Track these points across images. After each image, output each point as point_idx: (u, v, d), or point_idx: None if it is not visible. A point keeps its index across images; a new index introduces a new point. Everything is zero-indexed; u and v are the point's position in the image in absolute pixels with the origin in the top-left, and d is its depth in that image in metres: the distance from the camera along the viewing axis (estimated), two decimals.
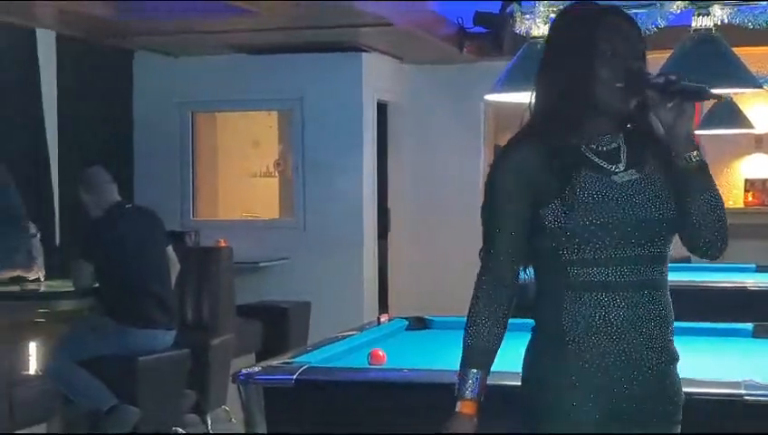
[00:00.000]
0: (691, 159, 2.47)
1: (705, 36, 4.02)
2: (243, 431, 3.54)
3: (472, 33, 8.83)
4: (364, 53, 9.15)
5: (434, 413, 3.29)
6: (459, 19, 8.93)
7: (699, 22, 4.05)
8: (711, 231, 2.51)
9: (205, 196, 9.84)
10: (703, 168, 2.49)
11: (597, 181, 2.50)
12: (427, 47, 9.07)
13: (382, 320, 4.66)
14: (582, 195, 2.48)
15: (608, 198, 2.49)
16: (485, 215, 2.60)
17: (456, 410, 2.57)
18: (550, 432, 2.53)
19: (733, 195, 9.80)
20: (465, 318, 2.60)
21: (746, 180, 9.77)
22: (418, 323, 4.72)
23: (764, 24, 3.96)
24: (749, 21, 3.93)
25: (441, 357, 3.95)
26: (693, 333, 4.14)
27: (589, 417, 2.49)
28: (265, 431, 3.43)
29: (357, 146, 9.17)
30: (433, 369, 3.56)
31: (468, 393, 2.56)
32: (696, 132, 8.41)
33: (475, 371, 2.56)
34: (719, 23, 4.07)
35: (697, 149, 2.48)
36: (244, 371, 3.50)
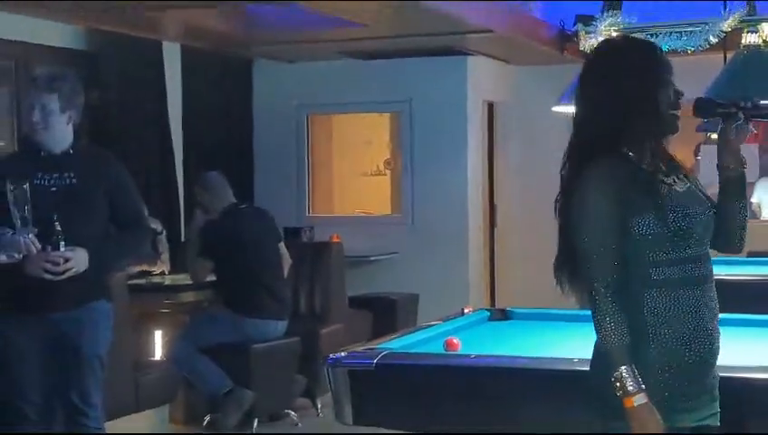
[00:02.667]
0: (738, 170, 2.85)
1: (754, 52, 4.34)
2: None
3: (573, 34, 9.13)
4: (469, 57, 9.55)
5: (501, 396, 3.76)
6: (561, 22, 9.24)
7: (749, 39, 4.37)
8: (739, 232, 2.93)
9: (320, 193, 10.35)
10: (742, 178, 2.88)
11: (668, 191, 2.82)
12: (530, 50, 9.40)
13: (466, 311, 5.03)
14: (668, 202, 2.79)
15: (680, 205, 2.80)
16: (588, 233, 2.84)
17: (638, 403, 2.71)
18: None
19: None
20: (594, 323, 2.82)
21: None
22: (500, 315, 5.09)
23: None
24: None
25: (515, 345, 4.35)
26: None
27: (674, 406, 2.76)
28: (351, 411, 3.87)
29: (462, 145, 9.58)
30: (502, 355, 3.96)
31: (636, 386, 2.72)
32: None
33: (628, 366, 2.74)
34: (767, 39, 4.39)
35: (740, 162, 2.86)
36: (332, 355, 3.96)
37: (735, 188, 2.88)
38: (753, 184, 11.17)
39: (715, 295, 2.86)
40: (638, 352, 2.78)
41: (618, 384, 2.74)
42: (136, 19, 7.55)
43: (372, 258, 9.43)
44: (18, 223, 4.20)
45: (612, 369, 2.75)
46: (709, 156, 9.30)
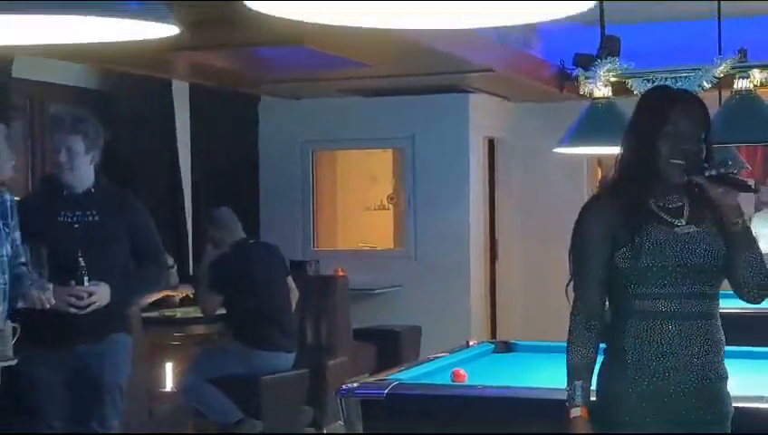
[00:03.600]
0: (738, 224, 3.03)
1: (745, 97, 4.56)
2: None
3: (573, 78, 9.35)
4: (471, 94, 9.77)
5: (505, 425, 3.94)
6: (561, 60, 9.46)
7: (740, 84, 4.60)
8: (752, 282, 3.09)
9: (325, 227, 10.55)
10: (746, 231, 3.05)
11: (661, 232, 3.06)
12: (531, 88, 9.63)
13: (471, 343, 5.23)
14: (648, 242, 3.04)
15: (668, 245, 3.04)
16: (575, 259, 3.18)
17: (573, 414, 3.08)
18: None
19: None
20: (566, 343, 3.16)
21: None
22: (504, 347, 5.29)
23: None
24: None
25: (518, 376, 4.54)
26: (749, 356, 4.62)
27: (641, 424, 3.04)
28: None
29: (464, 180, 9.79)
30: (507, 386, 4.16)
31: (580, 399, 3.08)
32: None
33: (581, 381, 3.09)
34: (758, 84, 4.61)
35: (742, 216, 3.03)
36: (344, 386, 4.14)
37: (740, 240, 3.05)
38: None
39: (715, 331, 3.08)
40: (616, 374, 3.09)
41: (567, 394, 3.10)
42: (146, 59, 7.75)
43: (376, 291, 9.61)
44: (35, 278, 4.38)
45: (569, 380, 3.10)
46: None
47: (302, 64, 8.36)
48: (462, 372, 4.32)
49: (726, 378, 3.13)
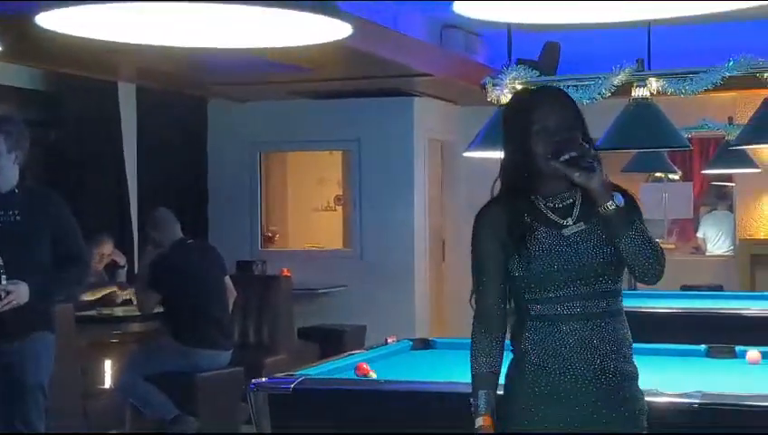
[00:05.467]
0: (608, 208, 2.95)
1: (642, 104, 4.74)
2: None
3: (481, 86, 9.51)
4: (416, 98, 9.94)
5: (409, 419, 4.08)
6: (504, 66, 9.63)
7: (638, 92, 4.77)
8: (639, 263, 2.98)
9: (273, 228, 10.68)
10: (618, 214, 2.94)
11: (548, 235, 3.02)
12: (476, 91, 9.77)
13: (389, 341, 5.34)
14: (535, 249, 3.01)
15: (556, 249, 3.00)
16: (473, 270, 3.13)
17: (477, 424, 3.04)
18: None
19: (764, 227, 10.33)
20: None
21: None
22: (422, 344, 5.41)
23: (692, 93, 4.63)
24: (679, 91, 4.61)
25: (428, 372, 4.67)
26: (660, 353, 4.80)
27: (540, 424, 3.05)
28: (270, 432, 4.19)
29: (409, 182, 9.96)
30: (411, 380, 4.29)
31: (484, 408, 3.04)
32: (703, 171, 9.09)
33: (485, 390, 3.05)
34: (655, 92, 4.78)
35: (612, 199, 2.94)
36: (254, 381, 4.27)
37: (614, 223, 2.96)
38: (691, 220, 11.63)
39: (618, 329, 3.04)
40: (517, 376, 3.08)
41: (472, 404, 3.08)
42: (92, 61, 7.86)
43: (322, 291, 9.76)
44: None
45: (473, 391, 3.08)
46: (649, 194, 9.75)
47: (248, 68, 8.48)
48: (365, 365, 4.43)
49: (635, 376, 3.09)
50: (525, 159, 3.04)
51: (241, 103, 10.22)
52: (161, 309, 7.09)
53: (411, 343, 5.40)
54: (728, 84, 4.84)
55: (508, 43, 4.92)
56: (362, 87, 9.57)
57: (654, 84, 4.73)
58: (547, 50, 9.08)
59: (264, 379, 4.27)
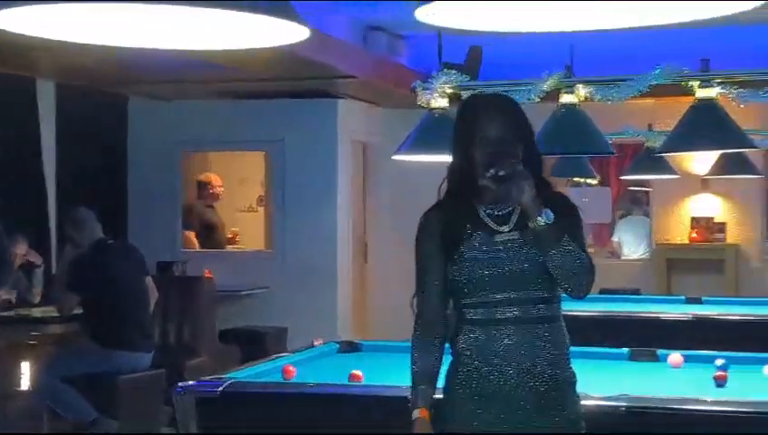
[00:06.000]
0: (538, 223, 3.02)
1: (569, 110, 4.80)
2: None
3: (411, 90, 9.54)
4: (340, 99, 9.94)
5: (335, 422, 4.08)
6: (427, 69, 9.66)
7: (565, 98, 4.83)
8: (566, 278, 3.05)
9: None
10: (547, 230, 3.01)
11: (481, 241, 3.09)
12: (398, 94, 9.81)
13: (316, 343, 5.34)
14: (468, 253, 3.09)
15: (487, 254, 3.08)
16: (416, 272, 3.22)
17: (414, 416, 3.12)
18: None
19: (680, 232, 10.55)
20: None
21: (692, 218, 10.50)
22: (348, 347, 5.43)
23: (619, 100, 4.71)
24: (606, 98, 4.68)
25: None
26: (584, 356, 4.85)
27: (472, 428, 3.10)
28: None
29: (332, 183, 9.94)
30: (337, 383, 4.29)
31: (420, 402, 3.12)
32: (623, 177, 9.25)
33: (423, 386, 3.14)
34: (583, 98, 4.84)
35: (541, 215, 3.00)
36: (180, 384, 4.24)
37: (542, 238, 3.03)
38: (607, 225, 11.80)
39: (553, 335, 3.10)
40: (452, 378, 3.16)
41: (410, 399, 3.16)
42: (9, 56, 7.70)
43: (244, 292, 9.69)
44: None
45: (412, 387, 3.17)
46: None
47: (171, 66, 8.39)
48: (291, 368, 4.44)
49: (571, 382, 3.15)
50: (468, 167, 3.11)
51: (164, 102, 10.11)
52: (81, 310, 6.98)
53: (338, 345, 5.42)
54: (648, 91, 4.92)
55: (438, 47, 4.93)
56: (286, 88, 9.54)
57: (582, 91, 4.80)
58: (471, 54, 9.16)
59: (191, 382, 4.25)
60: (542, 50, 7.58)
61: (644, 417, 3.77)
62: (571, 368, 3.16)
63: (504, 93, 3.75)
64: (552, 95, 5.04)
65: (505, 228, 3.11)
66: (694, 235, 10.41)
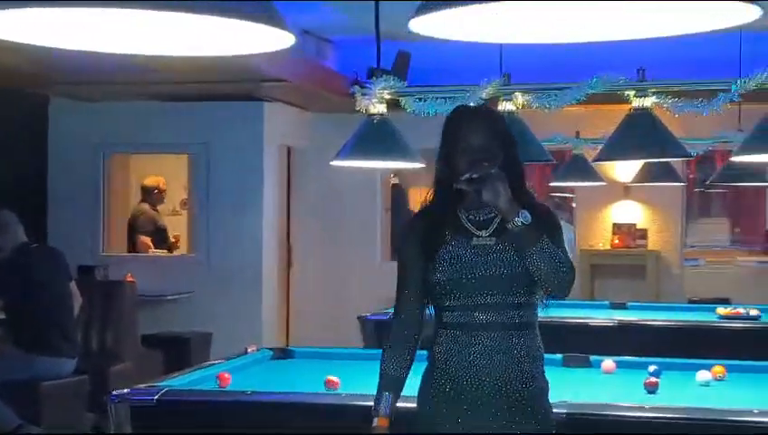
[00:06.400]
0: (515, 224, 3.05)
1: (509, 118, 4.81)
2: None
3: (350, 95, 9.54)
4: (267, 103, 9.86)
5: (273, 429, 4.05)
6: (355, 73, 9.65)
7: (505, 106, 4.86)
8: (547, 278, 3.08)
9: (116, 232, 10.43)
10: (525, 231, 3.05)
11: (458, 245, 3.16)
12: (326, 98, 9.79)
13: (249, 350, 5.29)
14: (445, 256, 3.16)
15: (463, 258, 3.14)
16: (397, 275, 3.30)
17: (374, 424, 3.20)
18: None
19: (602, 238, 10.69)
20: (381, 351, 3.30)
21: (614, 224, 10.65)
22: (282, 354, 5.39)
23: (556, 108, 4.75)
24: (544, 106, 4.71)
25: (290, 382, 4.64)
26: None
27: (443, 430, 3.15)
28: None
29: (258, 187, 9.86)
30: (275, 391, 4.25)
31: (383, 411, 3.21)
32: (551, 183, 9.34)
33: (388, 393, 3.22)
34: (521, 107, 4.88)
35: (519, 216, 3.03)
36: (115, 392, 4.16)
37: (521, 238, 3.07)
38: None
39: (526, 341, 3.15)
40: (426, 380, 3.23)
41: (374, 402, 3.25)
42: None
43: (168, 297, 9.57)
44: None
45: (378, 389, 3.24)
46: None
47: (95, 67, 8.25)
48: (226, 375, 4.41)
49: (544, 387, 3.21)
50: (451, 174, 3.19)
51: (87, 103, 9.93)
52: (2, 315, 6.84)
53: (271, 352, 5.38)
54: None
55: (377, 51, 4.91)
56: (213, 90, 9.44)
57: (520, 99, 4.82)
58: (399, 59, 9.17)
59: (125, 390, 4.18)
60: (473, 56, 7.63)
61: (584, 424, 3.79)
62: (544, 376, 3.23)
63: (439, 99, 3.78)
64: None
65: (483, 233, 3.19)
66: (616, 241, 10.56)
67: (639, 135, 4.66)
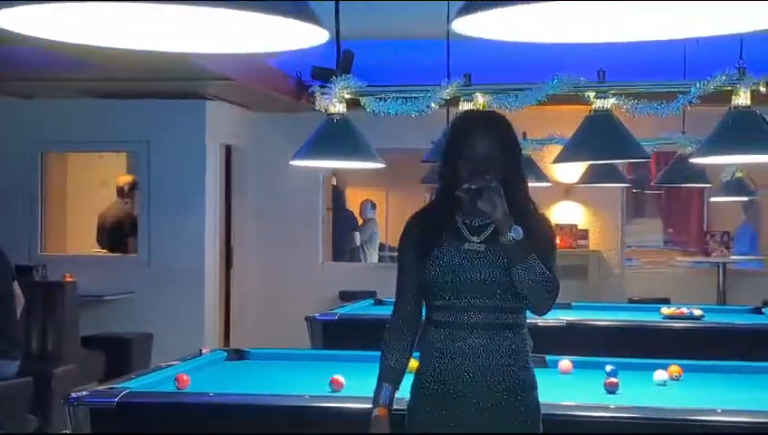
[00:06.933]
0: (507, 239, 3.14)
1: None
2: None
3: (310, 85, 9.50)
4: (208, 101, 9.77)
5: (235, 432, 4.01)
6: (298, 72, 9.61)
7: (464, 106, 4.86)
8: (529, 294, 3.19)
9: (54, 232, 10.25)
10: (515, 246, 3.14)
11: (451, 248, 3.27)
12: (269, 97, 9.73)
13: (204, 351, 5.25)
14: (438, 258, 3.26)
15: (453, 261, 3.25)
16: (397, 271, 3.42)
17: (374, 414, 3.32)
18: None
19: None
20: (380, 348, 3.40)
21: (556, 225, 10.72)
22: (236, 355, 5.34)
23: (516, 109, 4.76)
24: (504, 106, 4.72)
25: (249, 383, 4.60)
26: None
27: (428, 426, 3.27)
28: None
29: (200, 187, 9.77)
30: (236, 393, 4.21)
31: (382, 401, 3.33)
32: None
33: (387, 385, 3.35)
34: (481, 107, 4.88)
35: (511, 231, 3.12)
36: (74, 394, 4.08)
37: (512, 252, 3.16)
38: None
39: (513, 342, 3.24)
40: (416, 376, 3.36)
41: (374, 394, 3.37)
42: None
43: (107, 298, 9.44)
44: None
45: (378, 382, 3.37)
46: None
47: (33, 63, 8.11)
48: (185, 376, 4.35)
49: (530, 387, 3.29)
50: (452, 179, 3.27)
51: (25, 100, 9.75)
52: None
53: (226, 353, 5.33)
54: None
55: (337, 50, 4.89)
56: (154, 88, 9.33)
57: (480, 99, 4.83)
58: (343, 58, 9.13)
59: (84, 392, 4.10)
60: (420, 56, 7.64)
61: (551, 424, 3.80)
62: (531, 374, 3.31)
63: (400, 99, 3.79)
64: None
65: (475, 239, 3.28)
66: (558, 241, 10.62)
67: (601, 136, 4.70)
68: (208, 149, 9.84)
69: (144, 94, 9.53)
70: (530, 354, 3.32)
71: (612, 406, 3.95)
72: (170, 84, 9.10)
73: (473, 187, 3.14)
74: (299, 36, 2.07)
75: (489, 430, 3.21)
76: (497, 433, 3.22)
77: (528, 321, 7.04)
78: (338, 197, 12.50)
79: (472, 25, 1.78)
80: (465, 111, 3.51)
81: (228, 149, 10.55)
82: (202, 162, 9.77)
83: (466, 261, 3.25)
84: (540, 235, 3.26)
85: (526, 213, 3.27)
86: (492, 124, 3.34)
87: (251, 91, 9.41)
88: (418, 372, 3.34)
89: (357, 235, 12.48)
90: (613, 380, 4.46)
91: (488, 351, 3.21)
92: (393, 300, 3.48)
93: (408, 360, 3.39)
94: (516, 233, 3.13)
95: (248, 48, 2.20)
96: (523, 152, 7.82)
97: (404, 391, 3.44)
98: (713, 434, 3.74)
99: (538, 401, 3.33)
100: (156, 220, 9.74)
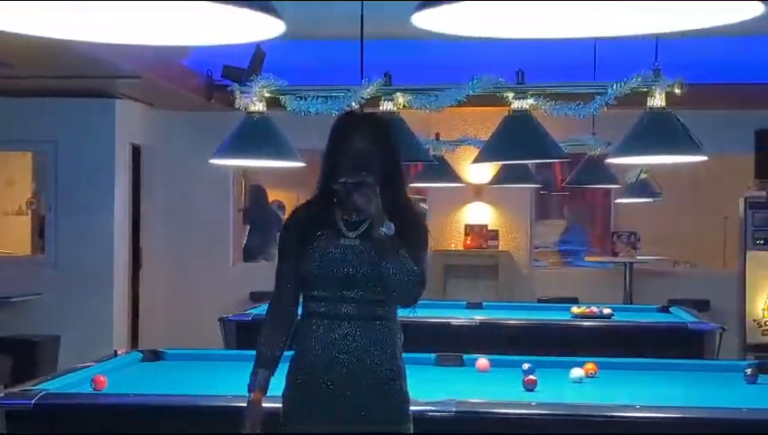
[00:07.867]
0: (379, 233, 3.26)
1: (390, 118, 4.82)
2: None
3: (221, 84, 9.42)
4: (118, 100, 9.64)
5: (154, 433, 3.97)
6: (209, 71, 9.52)
7: (386, 106, 4.88)
8: (396, 287, 3.29)
9: None
10: (386, 241, 3.26)
11: (329, 242, 3.37)
12: (178, 95, 9.63)
13: (119, 352, 5.19)
14: (314, 251, 3.36)
15: (327, 255, 3.35)
16: (277, 260, 3.50)
17: (249, 398, 3.39)
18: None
19: (455, 238, 10.85)
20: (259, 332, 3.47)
21: (466, 226, 10.83)
22: (152, 356, 5.27)
23: (436, 109, 4.80)
24: (424, 106, 4.75)
25: (167, 384, 4.55)
26: None
27: (298, 412, 3.35)
28: None
29: (109, 187, 9.63)
30: (154, 393, 4.17)
31: (257, 385, 3.39)
32: (412, 184, 9.42)
33: (262, 370, 3.40)
34: (401, 107, 4.91)
35: (383, 226, 3.24)
36: None
37: (382, 247, 3.28)
38: None
39: (381, 333, 3.34)
40: (289, 366, 3.42)
41: (250, 379, 3.41)
42: None
43: (13, 299, 9.24)
44: None
45: (254, 367, 3.43)
46: None
47: None
48: (102, 378, 4.31)
49: (397, 377, 3.37)
50: (333, 174, 3.36)
51: None
52: None
53: (142, 354, 5.27)
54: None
55: (257, 47, 4.86)
56: (61, 86, 9.16)
57: (401, 99, 4.85)
58: (255, 56, 9.08)
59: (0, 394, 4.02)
60: (340, 56, 7.63)
61: (472, 421, 3.84)
62: (399, 364, 3.38)
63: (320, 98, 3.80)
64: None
65: (351, 234, 3.38)
66: (468, 241, 10.73)
67: (521, 137, 4.75)
68: (118, 149, 9.70)
69: (51, 92, 9.35)
70: (399, 346, 3.41)
71: (533, 403, 4.01)
72: (79, 82, 8.95)
73: (349, 181, 3.26)
74: (255, 28, 2.05)
75: (357, 419, 3.30)
76: (361, 423, 3.30)
77: (442, 320, 7.12)
78: (261, 195, 12.43)
79: (432, 20, 1.78)
80: (348, 111, 3.61)
81: (137, 149, 10.40)
82: (111, 162, 9.64)
83: (341, 255, 3.35)
84: (412, 231, 3.37)
85: (403, 210, 3.39)
86: (373, 123, 3.48)
87: (161, 90, 9.31)
88: (292, 360, 3.42)
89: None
90: (532, 377, 4.52)
91: (358, 341, 3.31)
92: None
93: (285, 347, 3.46)
94: (388, 228, 3.25)
95: (202, 41, 2.18)
96: (436, 153, 7.95)
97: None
98: (631, 431, 3.82)
99: (406, 392, 3.41)
100: (63, 221, 9.57)
